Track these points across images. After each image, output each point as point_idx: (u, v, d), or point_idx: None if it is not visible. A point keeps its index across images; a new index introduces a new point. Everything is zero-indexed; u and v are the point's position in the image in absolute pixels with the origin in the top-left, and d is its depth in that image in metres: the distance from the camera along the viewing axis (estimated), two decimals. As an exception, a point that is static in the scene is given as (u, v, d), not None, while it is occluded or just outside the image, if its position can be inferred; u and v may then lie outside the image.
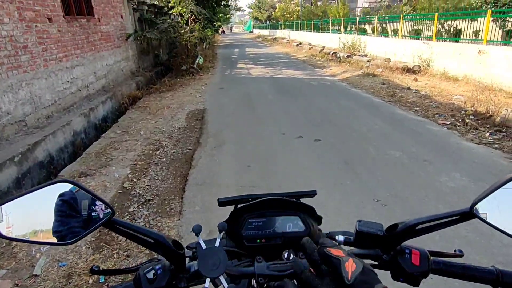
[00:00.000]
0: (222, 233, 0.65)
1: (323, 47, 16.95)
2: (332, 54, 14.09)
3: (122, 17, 8.93)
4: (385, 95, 7.37)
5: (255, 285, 0.68)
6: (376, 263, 0.68)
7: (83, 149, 4.87)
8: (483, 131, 4.87)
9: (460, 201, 3.02)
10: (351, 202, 3.14)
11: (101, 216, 0.59)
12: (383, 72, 9.86)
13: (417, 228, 0.59)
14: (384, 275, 0.68)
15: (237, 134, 5.22)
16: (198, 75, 10.67)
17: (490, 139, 4.60)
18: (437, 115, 5.76)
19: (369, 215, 2.91)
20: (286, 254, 0.73)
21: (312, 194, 0.88)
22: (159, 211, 3.16)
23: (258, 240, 0.77)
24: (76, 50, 6.17)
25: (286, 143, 4.74)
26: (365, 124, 5.45)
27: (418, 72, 9.55)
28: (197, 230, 0.63)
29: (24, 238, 0.56)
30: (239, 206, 0.81)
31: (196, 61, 11.30)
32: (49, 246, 2.59)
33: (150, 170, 4.00)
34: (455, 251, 0.70)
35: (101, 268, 0.64)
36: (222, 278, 0.58)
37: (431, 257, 0.64)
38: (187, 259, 0.68)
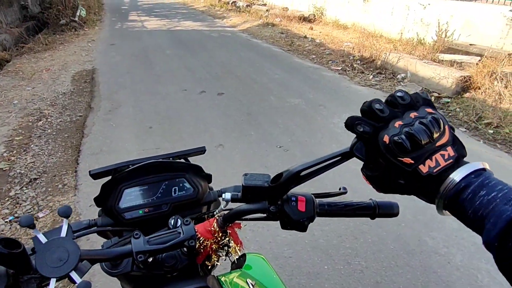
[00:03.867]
0: (67, 219, 0.54)
1: (221, -5, 16.25)
2: (232, 3, 13.74)
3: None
4: (284, 45, 7.60)
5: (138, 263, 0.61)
6: (264, 215, 0.66)
7: None
8: (368, 74, 5.50)
9: (350, 139, 3.38)
10: (256, 151, 3.28)
11: None
12: (281, 21, 10.01)
13: (301, 174, 0.57)
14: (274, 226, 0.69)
15: (135, 94, 4.84)
16: (82, 30, 9.29)
17: (373, 81, 5.23)
18: (330, 62, 6.20)
19: (273, 162, 3.08)
20: (172, 222, 0.65)
21: (201, 151, 0.81)
22: (49, 189, 2.83)
23: (141, 211, 0.70)
24: None
25: (189, 99, 4.62)
26: (265, 75, 5.59)
27: (314, 20, 9.99)
28: (26, 223, 0.49)
29: None
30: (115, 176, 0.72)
31: (78, 13, 9.77)
32: None
33: (32, 145, 3.48)
34: (339, 189, 0.71)
35: None
36: (73, 274, 0.49)
37: (317, 200, 0.65)
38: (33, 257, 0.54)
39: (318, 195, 0.67)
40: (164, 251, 0.58)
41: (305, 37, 8.10)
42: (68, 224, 0.54)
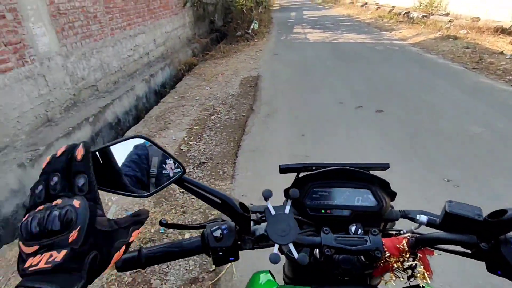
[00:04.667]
0: (291, 200, 0.63)
1: (393, 6, 15.48)
2: (404, 14, 12.76)
3: (180, -17, 9.04)
4: (468, 61, 6.53)
5: (318, 256, 0.68)
6: (467, 251, 0.61)
7: (144, 113, 5.24)
8: None
9: None
10: (416, 180, 2.90)
11: (171, 173, 0.61)
12: (468, 33, 8.68)
13: None
14: (475, 266, 0.63)
15: (292, 102, 5.18)
16: (252, 41, 10.58)
17: None
18: None
19: (436, 196, 2.68)
20: (353, 228, 0.69)
21: (384, 167, 0.81)
22: (213, 173, 3.35)
23: (323, 211, 0.75)
24: (137, 18, 6.46)
25: (344, 113, 4.56)
26: (438, 95, 4.93)
27: None
28: (267, 195, 0.61)
29: (105, 188, 0.57)
30: (303, 174, 0.79)
31: (251, 26, 11.17)
32: (121, 196, 2.93)
33: (204, 135, 4.20)
34: None
35: (168, 222, 0.67)
36: (291, 246, 0.58)
37: None
38: (252, 222, 0.68)
39: None
40: (349, 253, 0.62)
41: (502, 53, 6.77)
42: (290, 204, 0.62)
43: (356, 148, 3.59)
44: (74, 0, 4.49)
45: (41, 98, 3.81)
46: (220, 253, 0.64)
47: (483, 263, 0.60)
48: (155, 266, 2.20)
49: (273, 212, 0.61)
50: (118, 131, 4.74)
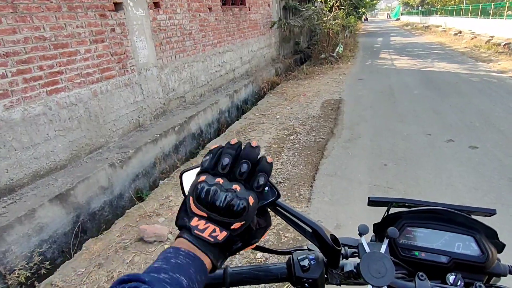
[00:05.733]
0: (387, 240, 0.59)
1: (491, 36, 14.07)
2: (505, 45, 11.58)
3: (269, 6, 9.35)
4: None
5: None
6: None
7: (225, 127, 5.37)
8: None
9: None
10: None
11: (267, 197, 0.58)
12: None
13: None
14: None
15: (375, 129, 4.85)
16: (336, 64, 10.37)
17: None
18: None
19: None
20: (451, 278, 0.63)
21: (490, 213, 0.71)
22: (289, 194, 3.21)
23: (416, 253, 0.68)
24: (227, 37, 6.78)
25: (432, 146, 4.16)
26: None
27: None
28: (362, 231, 0.60)
29: None
30: (397, 209, 0.73)
31: (336, 50, 10.98)
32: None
33: (283, 154, 4.09)
34: None
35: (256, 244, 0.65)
36: None
37: None
38: (341, 256, 0.64)
39: None
40: None
41: None
42: (387, 244, 0.59)
43: (445, 185, 3.21)
44: (174, 18, 4.87)
45: (136, 104, 4.13)
46: (306, 285, 0.60)
47: None
48: None
49: (367, 249, 0.58)
50: (200, 142, 4.91)
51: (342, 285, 0.65)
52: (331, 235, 0.60)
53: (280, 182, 3.42)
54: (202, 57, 5.77)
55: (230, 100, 6.16)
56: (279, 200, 0.59)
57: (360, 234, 0.60)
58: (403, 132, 4.65)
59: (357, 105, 6.07)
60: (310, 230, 0.60)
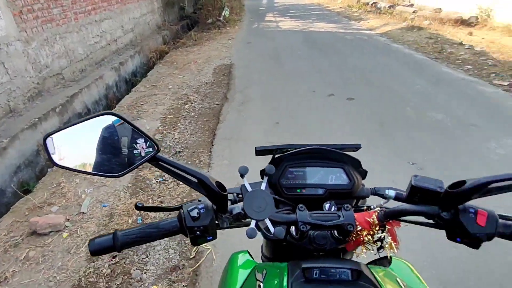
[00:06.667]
0: (267, 177, 0.64)
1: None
2: (372, 4, 13.06)
3: (147, -33, 8.69)
4: (431, 51, 6.83)
5: (294, 233, 0.70)
6: (430, 221, 0.66)
7: (116, 102, 5.07)
8: None
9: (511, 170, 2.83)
10: (384, 164, 3.01)
11: (143, 153, 0.60)
12: (431, 24, 9.03)
13: (489, 186, 0.54)
14: (437, 235, 0.67)
15: (265, 90, 5.19)
16: (224, 28, 10.42)
17: None
18: (493, 75, 5.24)
19: (402, 179, 2.65)
20: (327, 206, 0.73)
21: (356, 147, 0.85)
22: (189, 162, 3.32)
23: (298, 190, 0.76)
24: (103, 2, 6.16)
25: (317, 101, 4.64)
26: (404, 83, 5.14)
27: (475, 24, 8.60)
28: (243, 172, 0.63)
29: (75, 168, 0.59)
30: (278, 155, 0.80)
31: (223, 14, 10.98)
32: (94, 186, 2.85)
33: (179, 124, 4.14)
34: None
35: (144, 205, 0.65)
36: (267, 221, 0.59)
37: (500, 220, 0.59)
38: (229, 202, 0.68)
39: (502, 217, 0.61)
40: (323, 228, 0.65)
41: (461, 43, 7.09)
42: (266, 181, 0.64)
43: (329, 134, 3.68)
44: (33, -18, 4.21)
45: (1, 87, 3.59)
46: (198, 233, 0.63)
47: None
48: (134, 256, 2.18)
49: (249, 188, 0.62)
50: (87, 122, 4.55)
51: (233, 228, 0.69)
52: (217, 182, 0.63)
53: (179, 152, 3.51)
54: (75, 26, 5.18)
55: (116, 74, 5.76)
56: (160, 154, 0.61)
57: (242, 176, 0.62)
58: (291, 91, 5.06)
59: (247, 69, 6.34)
60: (196, 181, 0.62)
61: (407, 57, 6.67)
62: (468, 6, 9.16)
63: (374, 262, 0.82)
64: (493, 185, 0.55)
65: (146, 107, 4.67)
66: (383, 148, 3.35)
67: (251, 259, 0.85)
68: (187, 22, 11.16)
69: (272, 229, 0.58)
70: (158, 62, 7.12)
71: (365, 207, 0.78)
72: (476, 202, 0.60)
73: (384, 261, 0.82)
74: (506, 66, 5.50)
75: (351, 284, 0.62)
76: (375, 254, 0.72)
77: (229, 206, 0.67)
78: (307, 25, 10.98)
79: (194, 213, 0.62)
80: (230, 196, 0.72)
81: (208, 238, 0.64)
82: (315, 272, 0.62)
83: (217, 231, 0.66)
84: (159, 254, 2.21)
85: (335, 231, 0.68)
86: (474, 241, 0.59)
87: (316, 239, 0.68)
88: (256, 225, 0.60)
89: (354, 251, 0.73)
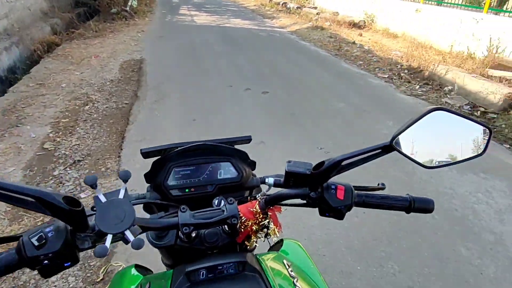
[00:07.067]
0: (125, 184, 0.57)
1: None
2: (282, 4, 13.61)
3: None
4: (332, 49, 7.45)
5: (182, 236, 0.67)
6: (304, 201, 0.68)
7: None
8: (414, 84, 5.31)
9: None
10: (296, 151, 3.18)
11: None
12: (331, 25, 9.85)
13: (342, 164, 0.60)
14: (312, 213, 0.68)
15: (181, 86, 4.77)
16: (132, 20, 9.46)
17: (419, 91, 5.08)
18: (377, 69, 6.07)
19: (313, 162, 2.87)
20: (216, 202, 0.70)
21: (247, 139, 0.84)
22: (93, 171, 2.78)
23: (187, 190, 0.74)
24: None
25: (234, 96, 4.53)
26: (312, 77, 5.51)
27: (363, 27, 9.78)
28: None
29: None
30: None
31: (129, 3, 9.97)
32: None
33: (78, 128, 3.45)
34: (378, 184, 0.72)
35: None
36: (128, 233, 0.51)
37: (355, 191, 0.66)
38: (90, 217, 0.55)
39: (358, 188, 0.67)
40: (208, 226, 0.61)
41: (354, 43, 7.92)
42: (126, 188, 0.55)
43: (246, 127, 3.63)
44: None
45: None
46: (46, 262, 0.50)
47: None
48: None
49: (103, 199, 0.53)
50: None
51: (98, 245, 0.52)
52: (65, 197, 0.49)
53: (79, 161, 2.88)
54: None
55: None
56: None
57: (93, 187, 0.53)
58: (208, 86, 4.80)
59: (160, 64, 5.77)
60: (33, 200, 0.46)
61: (313, 53, 7.10)
62: (357, 11, 10.47)
63: (272, 248, 0.89)
64: (345, 162, 0.60)
65: (30, 111, 3.78)
66: (294, 135, 3.49)
67: (138, 273, 0.79)
68: (84, 10, 9.78)
69: (130, 239, 0.50)
70: (46, 56, 5.95)
71: (249, 198, 0.77)
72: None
73: (278, 246, 0.88)
74: (386, 62, 6.40)
75: (236, 277, 0.64)
76: (263, 241, 0.72)
77: (91, 222, 0.54)
78: (223, 21, 10.74)
79: (37, 240, 0.49)
80: (89, 210, 0.59)
81: (65, 264, 0.52)
82: (201, 273, 0.63)
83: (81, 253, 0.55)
84: (55, 286, 1.80)
85: (225, 226, 0.68)
86: (337, 214, 0.64)
87: (207, 238, 0.69)
88: (122, 238, 0.52)
89: (247, 242, 0.72)
